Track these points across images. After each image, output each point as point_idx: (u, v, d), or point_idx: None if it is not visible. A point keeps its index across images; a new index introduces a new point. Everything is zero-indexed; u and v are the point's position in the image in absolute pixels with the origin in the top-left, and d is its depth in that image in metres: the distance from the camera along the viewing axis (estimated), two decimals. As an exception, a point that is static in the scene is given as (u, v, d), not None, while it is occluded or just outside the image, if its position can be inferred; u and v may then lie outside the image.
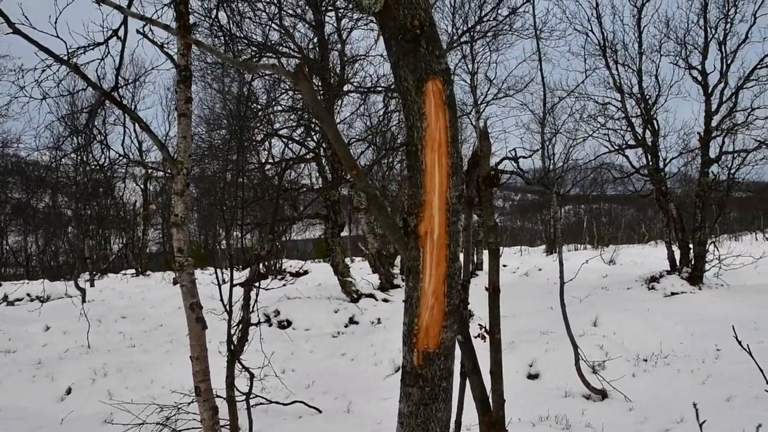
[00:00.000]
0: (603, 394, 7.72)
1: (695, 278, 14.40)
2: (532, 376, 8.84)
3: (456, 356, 2.07)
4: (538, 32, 14.34)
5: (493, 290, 2.36)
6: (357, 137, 15.85)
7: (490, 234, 2.39)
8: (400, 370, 6.85)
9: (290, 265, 21.02)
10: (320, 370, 9.53)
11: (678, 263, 15.40)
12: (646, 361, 9.09)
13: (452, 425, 2.98)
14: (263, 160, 14.01)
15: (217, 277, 5.77)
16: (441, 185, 1.75)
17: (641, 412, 7.11)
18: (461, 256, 2.20)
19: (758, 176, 17.38)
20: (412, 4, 1.73)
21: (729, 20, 14.69)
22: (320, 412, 7.48)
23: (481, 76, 19.01)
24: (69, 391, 8.57)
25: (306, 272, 20.25)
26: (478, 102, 19.58)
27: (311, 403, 7.60)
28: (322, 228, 25.02)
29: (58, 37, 4.76)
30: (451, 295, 1.79)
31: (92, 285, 21.98)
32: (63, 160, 27.15)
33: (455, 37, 15.44)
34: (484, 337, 2.42)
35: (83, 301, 14.90)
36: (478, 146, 2.31)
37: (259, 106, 12.48)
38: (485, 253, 21.36)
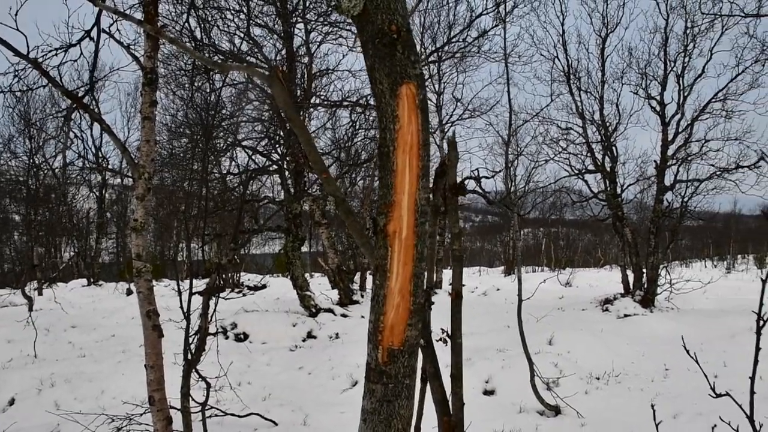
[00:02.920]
0: (556, 411, 7.87)
1: (647, 301, 14.84)
2: (489, 392, 8.94)
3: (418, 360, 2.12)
4: (507, 56, 14.67)
5: (456, 295, 2.41)
6: (321, 151, 15.88)
7: (454, 241, 2.45)
8: (357, 383, 6.80)
9: (248, 278, 20.81)
10: (277, 383, 9.43)
11: (631, 286, 15.83)
12: (598, 379, 9.31)
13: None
14: (226, 171, 13.92)
15: (177, 284, 5.68)
16: (411, 186, 1.80)
17: (593, 428, 7.27)
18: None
19: (709, 206, 18.01)
20: (390, 9, 1.78)
21: (687, 54, 15.30)
22: (276, 424, 7.40)
23: (447, 96, 19.31)
24: (12, 402, 8.24)
25: (265, 286, 20.09)
26: (443, 122, 19.85)
27: (267, 415, 7.52)
28: (281, 243, 24.83)
29: (17, 30, 4.55)
30: (417, 294, 1.83)
31: (40, 293, 21.27)
32: (13, 162, 26.37)
33: (423, 57, 15.64)
34: (445, 341, 2.46)
35: (30, 309, 14.43)
36: (447, 156, 2.38)
37: (224, 116, 12.41)
38: (444, 272, 21.49)
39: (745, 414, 2.14)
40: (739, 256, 33.21)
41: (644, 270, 15.38)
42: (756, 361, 2.19)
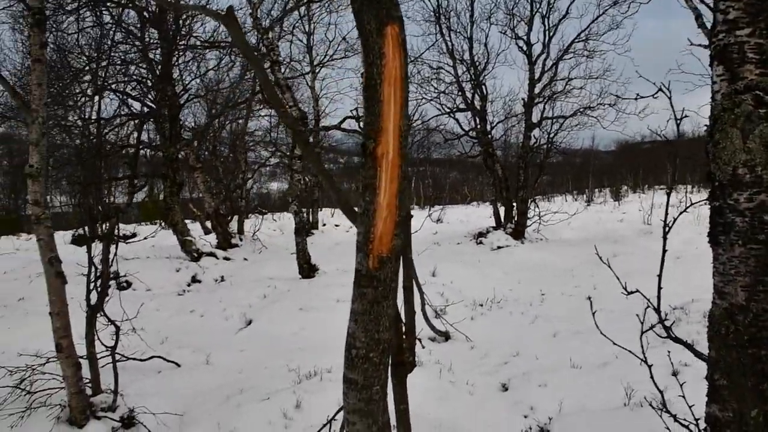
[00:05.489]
0: (446, 336, 8.53)
1: (518, 233, 15.78)
2: (382, 323, 9.46)
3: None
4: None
5: (407, 216, 2.71)
6: (193, 95, 15.35)
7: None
8: (252, 322, 7.08)
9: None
10: (171, 327, 9.39)
11: (503, 220, 16.85)
12: (482, 305, 10.10)
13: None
14: (89, 117, 13.08)
15: (84, 230, 5.56)
16: (395, 114, 2.06)
17: (482, 350, 7.96)
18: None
19: (572, 142, 19.45)
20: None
21: (552, -5, 15.79)
22: (179, 365, 7.47)
23: (318, 37, 19.12)
24: None
25: (134, 235, 19.44)
26: (314, 63, 19.64)
27: (169, 357, 7.55)
28: (145, 191, 23.74)
29: None
30: (402, 208, 2.12)
31: None
32: None
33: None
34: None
35: None
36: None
37: (87, 58, 11.66)
38: (321, 213, 21.77)
39: (653, 307, 2.62)
40: (597, 189, 36.27)
41: (514, 204, 16.39)
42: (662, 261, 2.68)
